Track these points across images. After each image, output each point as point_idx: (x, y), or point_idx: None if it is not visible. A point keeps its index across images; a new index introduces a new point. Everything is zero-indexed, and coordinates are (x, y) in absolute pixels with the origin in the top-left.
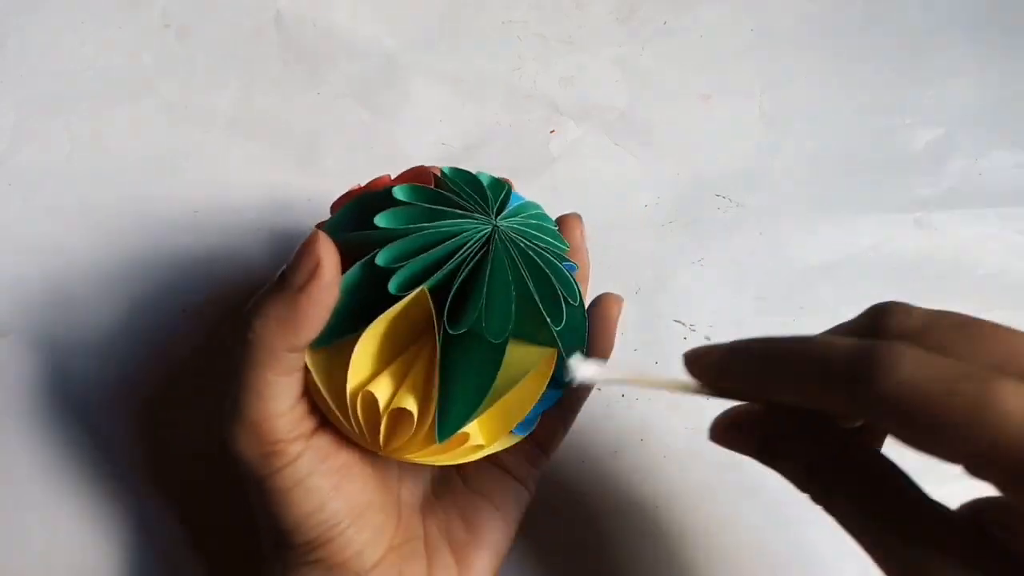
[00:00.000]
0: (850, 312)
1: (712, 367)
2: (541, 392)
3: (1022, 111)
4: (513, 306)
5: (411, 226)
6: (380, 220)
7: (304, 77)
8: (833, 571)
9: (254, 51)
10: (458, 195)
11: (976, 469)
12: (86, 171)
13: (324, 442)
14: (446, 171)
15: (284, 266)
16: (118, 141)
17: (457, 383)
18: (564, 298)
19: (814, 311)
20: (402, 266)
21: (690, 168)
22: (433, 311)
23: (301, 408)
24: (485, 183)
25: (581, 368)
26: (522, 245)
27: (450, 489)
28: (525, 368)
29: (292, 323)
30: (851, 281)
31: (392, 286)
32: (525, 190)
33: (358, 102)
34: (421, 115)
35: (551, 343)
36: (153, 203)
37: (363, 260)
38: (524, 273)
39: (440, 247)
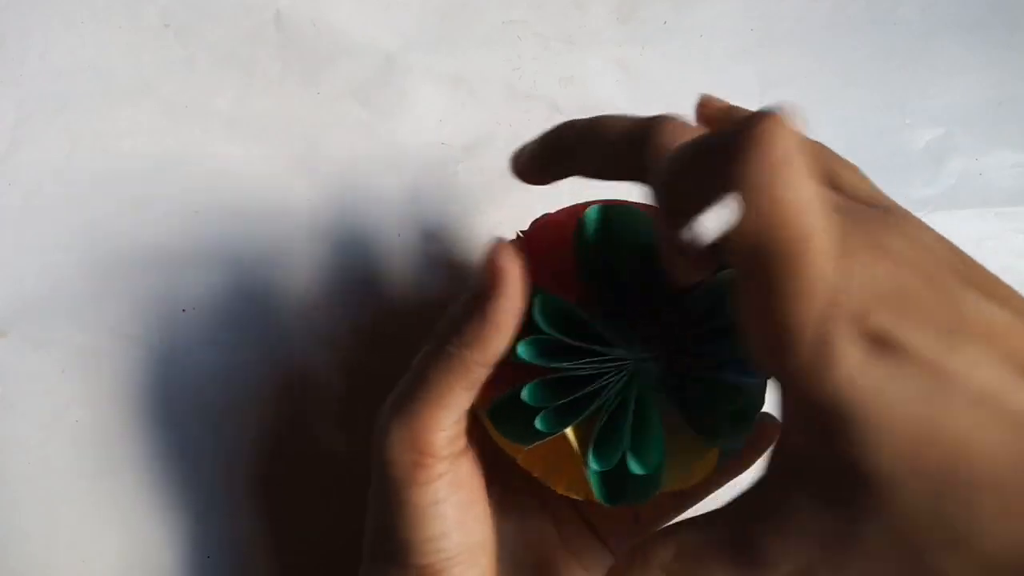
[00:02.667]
0: None
1: (529, 160)
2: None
3: (1022, 111)
4: (661, 439)
5: (550, 365)
6: (521, 351)
7: (304, 77)
8: None
9: (254, 51)
10: (599, 316)
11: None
12: (86, 171)
13: (464, 470)
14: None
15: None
16: (118, 141)
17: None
18: (732, 409)
19: None
20: (545, 407)
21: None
22: (577, 448)
23: (460, 427)
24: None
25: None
26: (669, 381)
27: (543, 542)
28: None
29: (486, 338)
30: None
31: (538, 423)
32: (525, 190)
33: (358, 102)
34: (421, 115)
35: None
36: (153, 203)
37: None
38: (673, 399)
39: (580, 392)
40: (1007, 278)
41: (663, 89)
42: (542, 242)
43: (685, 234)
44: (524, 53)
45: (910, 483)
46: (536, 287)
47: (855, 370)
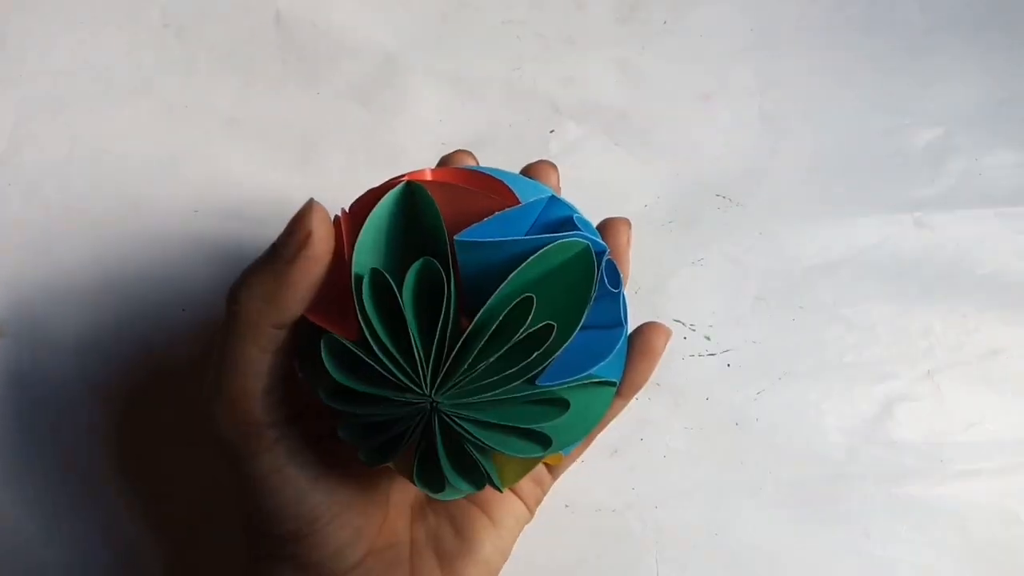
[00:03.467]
0: (850, 312)
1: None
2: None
3: (1022, 111)
4: (480, 463)
5: (348, 411)
6: (322, 395)
7: (304, 77)
8: (833, 571)
9: (254, 51)
10: (384, 351)
11: None
12: (86, 171)
13: (307, 429)
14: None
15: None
16: (118, 141)
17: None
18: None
19: (814, 311)
20: (361, 446)
21: (690, 168)
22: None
23: (282, 391)
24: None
25: None
26: (471, 428)
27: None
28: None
29: (278, 297)
30: (851, 281)
31: (362, 457)
32: None
33: (358, 102)
34: (421, 115)
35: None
36: (153, 203)
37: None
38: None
39: (385, 436)
40: (1007, 278)
41: (663, 89)
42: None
43: None
44: (524, 53)
45: None
46: (320, 328)
47: None
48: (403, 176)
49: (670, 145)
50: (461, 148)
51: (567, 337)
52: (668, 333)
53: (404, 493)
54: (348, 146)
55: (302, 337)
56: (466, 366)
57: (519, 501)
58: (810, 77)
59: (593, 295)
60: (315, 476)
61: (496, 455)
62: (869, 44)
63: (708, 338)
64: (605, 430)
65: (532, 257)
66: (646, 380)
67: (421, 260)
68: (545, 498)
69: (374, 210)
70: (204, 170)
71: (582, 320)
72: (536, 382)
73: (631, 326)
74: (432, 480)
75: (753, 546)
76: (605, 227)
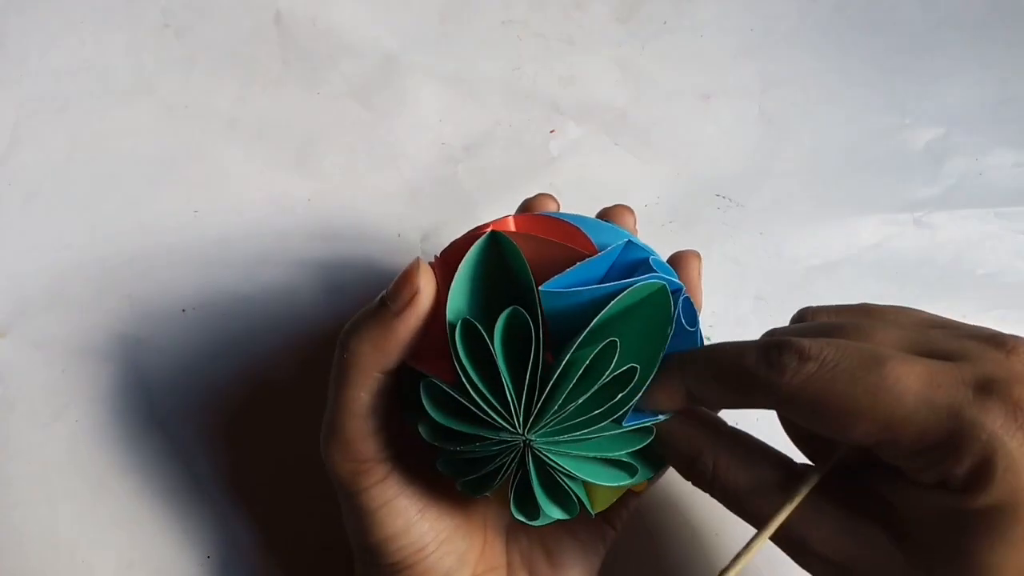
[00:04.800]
0: None
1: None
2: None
3: (1022, 111)
4: (571, 491)
5: (446, 448)
6: (422, 431)
7: (304, 77)
8: None
9: (254, 51)
10: (478, 393)
11: (881, 448)
12: (86, 171)
13: (411, 466)
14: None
15: (383, 291)
16: (118, 141)
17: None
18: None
19: None
20: (458, 478)
21: (690, 168)
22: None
23: (389, 430)
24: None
25: None
26: (561, 462)
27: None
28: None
29: (385, 346)
30: (851, 281)
31: (460, 488)
32: (525, 190)
33: (358, 102)
34: (421, 115)
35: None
36: (153, 203)
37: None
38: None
39: (482, 471)
40: (1007, 278)
41: (663, 89)
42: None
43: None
44: (524, 53)
45: None
46: (420, 371)
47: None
48: (488, 225)
49: (670, 145)
50: (543, 192)
51: (648, 377)
52: (698, 256)
53: (500, 518)
54: (348, 146)
55: (405, 382)
56: (556, 407)
57: (604, 524)
58: (810, 77)
59: (670, 333)
60: (422, 507)
61: (588, 484)
62: (869, 44)
63: (708, 338)
64: None
65: (613, 302)
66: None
67: (510, 309)
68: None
69: (463, 260)
70: (204, 170)
71: (660, 359)
72: (622, 423)
73: None
74: (528, 509)
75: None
76: (676, 261)
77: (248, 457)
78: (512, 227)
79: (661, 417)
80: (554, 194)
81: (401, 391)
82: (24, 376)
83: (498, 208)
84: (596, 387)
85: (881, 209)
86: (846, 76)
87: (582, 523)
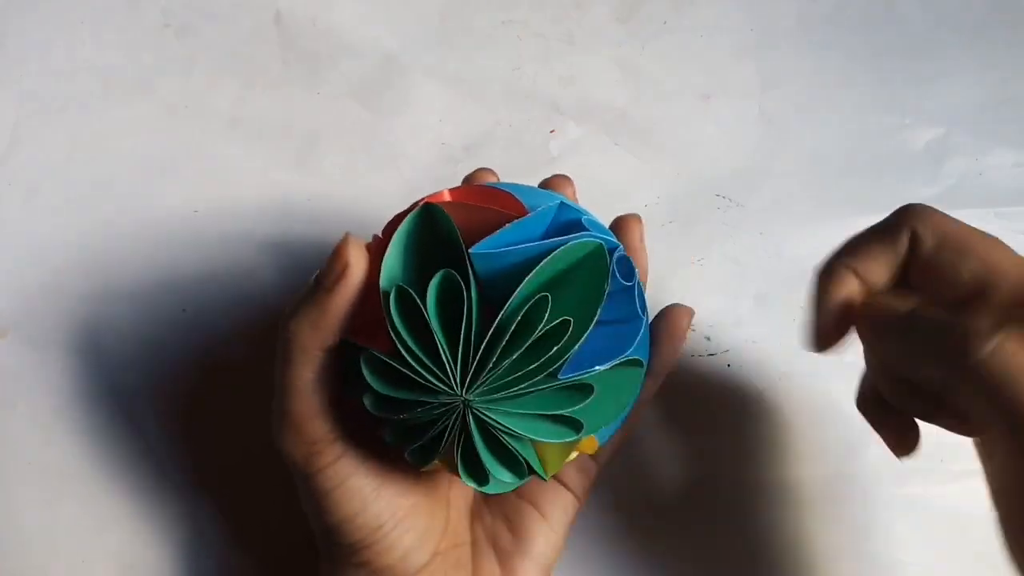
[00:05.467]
0: None
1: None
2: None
3: (1022, 111)
4: (519, 452)
5: (390, 416)
6: (367, 403)
7: (304, 77)
8: (832, 571)
9: (254, 51)
10: (414, 358)
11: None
12: (86, 171)
13: (364, 445)
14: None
15: (318, 271)
16: (118, 141)
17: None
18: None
19: None
20: (404, 447)
21: (690, 168)
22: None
23: (338, 409)
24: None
25: None
26: (503, 420)
27: (499, 497)
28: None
29: (322, 322)
30: None
31: (409, 459)
32: None
33: (358, 102)
34: (421, 115)
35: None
36: (153, 203)
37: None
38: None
39: (426, 436)
40: None
41: (663, 89)
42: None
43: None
44: (524, 53)
45: None
46: (359, 344)
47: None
48: (423, 199)
49: (670, 145)
50: (482, 167)
51: (584, 331)
52: (691, 312)
53: (463, 497)
54: (348, 146)
55: (347, 360)
56: (491, 364)
57: (567, 492)
58: (810, 77)
59: (606, 289)
60: (377, 486)
61: (537, 446)
62: (869, 44)
63: (708, 338)
64: None
65: (546, 260)
66: (674, 359)
67: (442, 272)
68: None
69: (396, 232)
70: (204, 170)
71: (597, 314)
72: (558, 376)
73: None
74: (476, 473)
75: (753, 547)
76: (617, 225)
77: (254, 454)
78: (447, 198)
79: (597, 368)
80: None
81: (343, 369)
82: (24, 376)
83: None
84: (529, 342)
85: (881, 209)
86: (846, 76)
87: (543, 495)
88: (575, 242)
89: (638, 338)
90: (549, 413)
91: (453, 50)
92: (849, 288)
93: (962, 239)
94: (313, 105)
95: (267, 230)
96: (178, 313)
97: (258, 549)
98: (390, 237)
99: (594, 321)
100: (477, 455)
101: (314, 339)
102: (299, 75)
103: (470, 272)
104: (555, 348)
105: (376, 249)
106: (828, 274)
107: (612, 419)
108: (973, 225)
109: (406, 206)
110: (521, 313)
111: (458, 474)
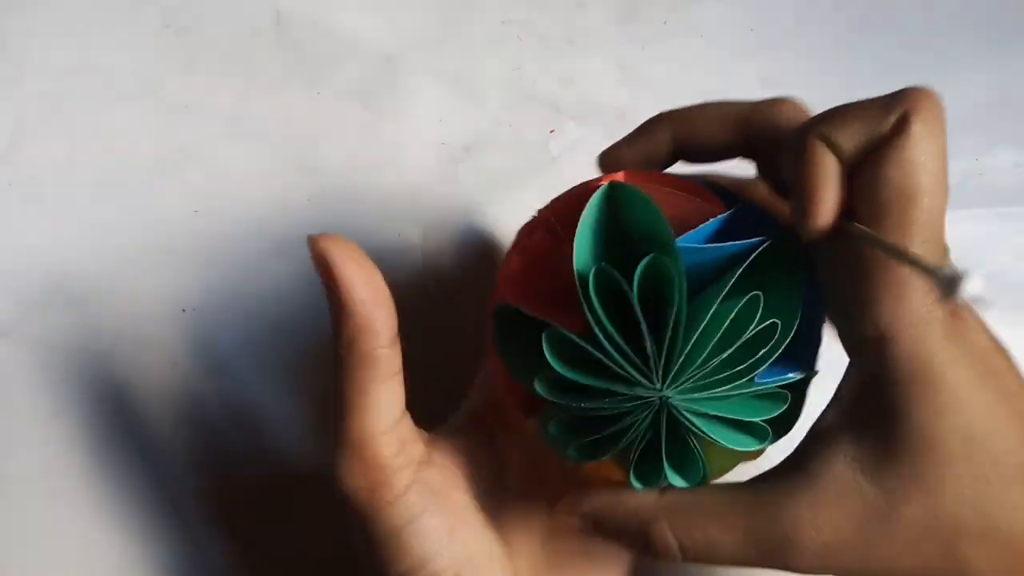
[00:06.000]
0: None
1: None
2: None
3: (1022, 111)
4: (700, 458)
5: (571, 404)
6: (539, 388)
7: (304, 77)
8: None
9: (254, 51)
10: (614, 346)
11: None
12: (86, 171)
13: (436, 477)
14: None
15: None
16: (118, 141)
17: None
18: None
19: None
20: (573, 442)
21: (689, 168)
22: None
23: (406, 426)
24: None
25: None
26: (697, 422)
27: (562, 545)
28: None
29: (359, 327)
30: None
31: (571, 453)
32: (525, 190)
33: (358, 102)
34: (421, 115)
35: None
36: (153, 203)
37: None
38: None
39: (607, 431)
40: (1007, 278)
41: (663, 89)
42: (540, 250)
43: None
44: (524, 53)
45: (962, 463)
46: (541, 319)
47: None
48: (602, 179)
49: None
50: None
51: (788, 333)
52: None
53: (527, 547)
54: (348, 146)
55: (503, 331)
56: (700, 361)
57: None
58: (810, 77)
59: (803, 293)
60: (451, 527)
61: (709, 451)
62: (869, 44)
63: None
64: None
65: (752, 257)
66: None
67: (649, 258)
68: None
69: (585, 210)
70: (204, 170)
71: (797, 318)
72: (756, 379)
73: None
74: (650, 474)
75: None
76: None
77: (245, 457)
78: (622, 179)
79: (791, 376)
80: (554, 194)
81: (499, 343)
82: (24, 376)
83: (498, 208)
84: (740, 342)
85: None
86: (846, 76)
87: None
88: (776, 243)
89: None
90: (745, 419)
91: (453, 50)
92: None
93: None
94: (313, 105)
95: (267, 230)
96: (177, 313)
97: (256, 552)
98: (567, 211)
99: (795, 324)
100: (659, 455)
101: (367, 340)
102: (299, 75)
103: (680, 262)
104: (762, 351)
105: (555, 223)
106: (800, 148)
107: (789, 429)
108: (973, 225)
109: (406, 206)
110: (735, 310)
111: (627, 471)
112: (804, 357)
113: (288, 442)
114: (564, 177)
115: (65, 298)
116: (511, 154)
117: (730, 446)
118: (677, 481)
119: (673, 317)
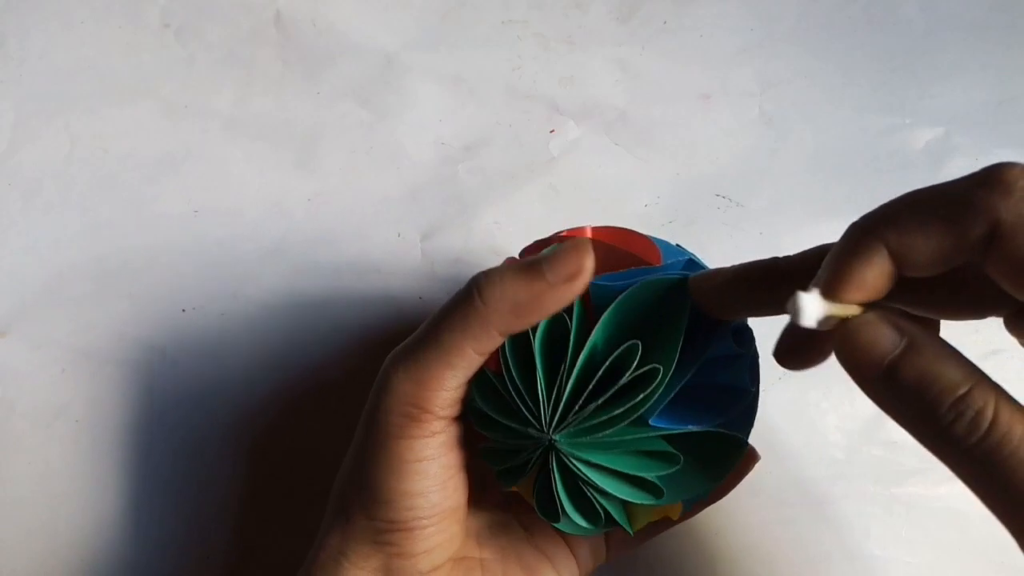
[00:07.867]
0: None
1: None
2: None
3: (1022, 111)
4: (599, 503)
5: (484, 433)
6: (471, 414)
7: (304, 77)
8: (833, 571)
9: (253, 51)
10: (514, 387)
11: None
12: (86, 171)
13: (455, 435)
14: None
15: (536, 255)
16: (118, 141)
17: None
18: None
19: None
20: (496, 465)
21: (690, 168)
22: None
23: (461, 391)
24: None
25: (808, 307)
26: (585, 470)
27: (509, 533)
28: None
29: (523, 311)
30: None
31: (498, 478)
32: (525, 190)
33: (358, 102)
34: (421, 115)
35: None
36: (153, 203)
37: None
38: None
39: (512, 463)
40: None
41: (663, 89)
42: None
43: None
44: (524, 53)
45: None
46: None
47: None
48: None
49: (670, 145)
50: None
51: (668, 375)
52: (757, 458)
53: (478, 516)
54: (348, 146)
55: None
56: (577, 407)
57: (574, 560)
58: (810, 77)
59: (684, 325)
60: (444, 480)
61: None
62: (869, 44)
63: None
64: None
65: (626, 292)
66: (725, 493)
67: (556, 314)
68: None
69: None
70: (204, 170)
71: (676, 355)
72: (650, 421)
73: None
74: (548, 510)
75: (752, 546)
76: None
77: (247, 456)
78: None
79: (691, 427)
80: (554, 194)
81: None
82: (24, 376)
83: (498, 208)
84: (615, 388)
85: None
86: (846, 76)
87: (557, 552)
88: (657, 276)
89: (741, 407)
90: (632, 474)
91: (453, 50)
92: (877, 269)
93: None
94: (313, 105)
95: (267, 230)
96: (177, 313)
97: (262, 548)
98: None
99: (674, 363)
100: (554, 493)
101: (502, 321)
102: (299, 75)
103: (574, 310)
104: (641, 395)
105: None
106: (852, 244)
107: (695, 492)
108: None
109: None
110: (610, 359)
111: (533, 505)
112: (708, 412)
113: (288, 441)
114: (564, 177)
115: (65, 298)
116: (511, 154)
117: (619, 496)
118: (579, 521)
119: (565, 363)
